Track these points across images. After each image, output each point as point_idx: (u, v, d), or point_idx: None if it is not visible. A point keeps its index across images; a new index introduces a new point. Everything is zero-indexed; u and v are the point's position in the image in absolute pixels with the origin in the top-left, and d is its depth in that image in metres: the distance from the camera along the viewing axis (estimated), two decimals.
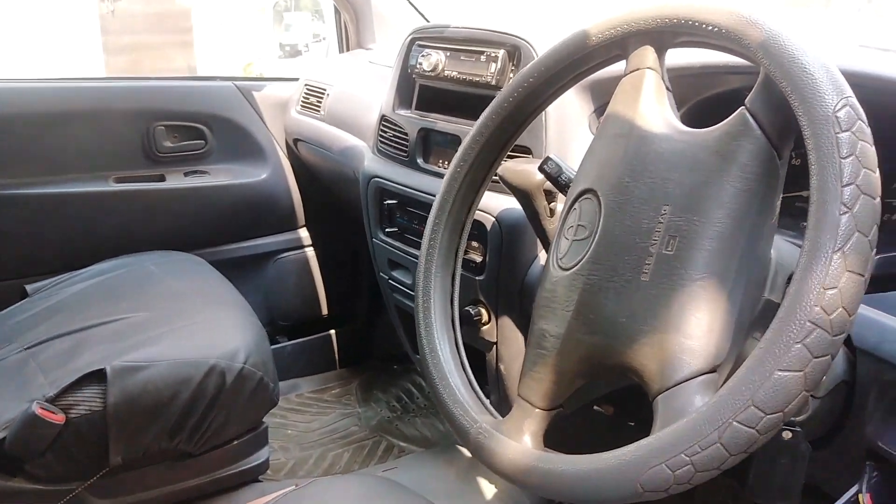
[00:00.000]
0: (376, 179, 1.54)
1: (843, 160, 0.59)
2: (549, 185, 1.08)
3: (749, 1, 0.85)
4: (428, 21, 1.97)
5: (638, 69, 0.82)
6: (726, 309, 0.68)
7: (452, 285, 0.98)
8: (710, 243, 0.69)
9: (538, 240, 1.16)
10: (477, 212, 1.31)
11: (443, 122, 1.42)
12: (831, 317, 0.57)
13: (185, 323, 1.44)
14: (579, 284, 0.78)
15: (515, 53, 1.28)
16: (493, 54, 1.30)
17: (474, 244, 1.36)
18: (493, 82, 1.29)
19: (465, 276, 1.37)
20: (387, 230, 1.53)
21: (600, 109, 1.23)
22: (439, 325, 0.93)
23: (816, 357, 0.56)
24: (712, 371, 0.68)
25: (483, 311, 1.36)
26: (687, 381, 0.67)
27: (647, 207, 0.74)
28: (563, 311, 0.79)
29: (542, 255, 1.27)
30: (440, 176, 1.38)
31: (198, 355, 1.35)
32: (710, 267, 0.69)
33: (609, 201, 0.78)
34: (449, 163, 1.40)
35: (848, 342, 0.85)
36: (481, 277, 1.34)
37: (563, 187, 1.02)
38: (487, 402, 0.88)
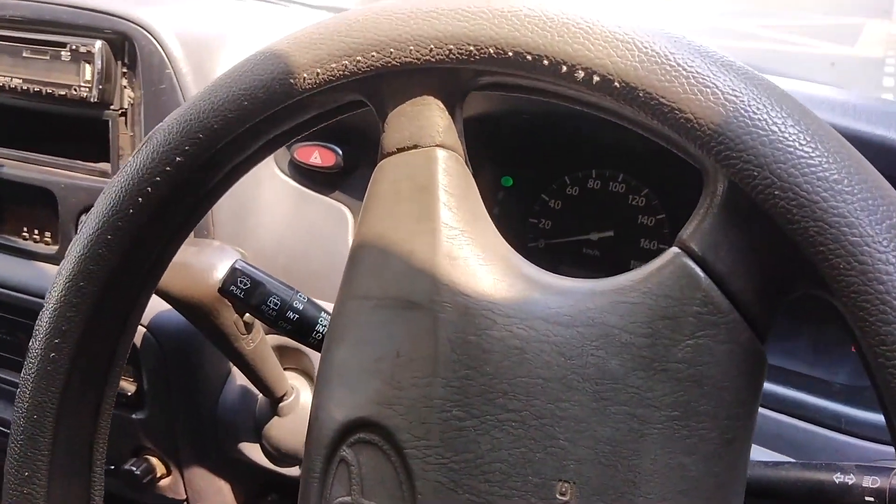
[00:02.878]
0: None
1: None
2: None
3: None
4: None
5: (416, 147, 0.39)
6: None
7: None
8: None
9: None
10: None
11: (14, 164, 0.82)
12: None
13: None
14: None
15: (124, 47, 0.74)
16: (82, 49, 0.74)
17: None
18: (94, 97, 0.74)
19: (115, 414, 0.84)
20: None
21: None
22: None
23: None
24: None
25: (154, 461, 0.86)
26: None
27: (521, 483, 0.33)
28: None
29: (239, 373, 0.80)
30: (28, 255, 0.81)
31: None
32: None
33: (428, 466, 0.35)
34: (40, 231, 0.84)
35: None
36: (141, 415, 0.83)
37: (275, 319, 0.57)
38: None
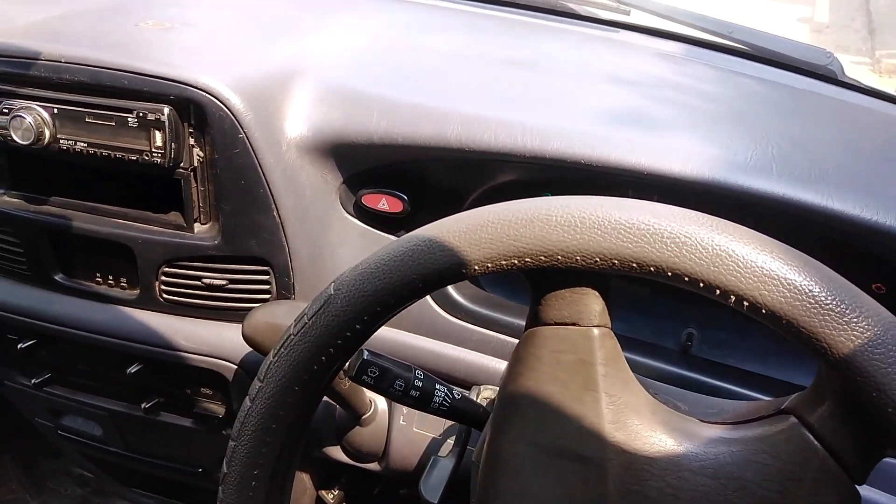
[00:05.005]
0: None
1: None
2: None
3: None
4: None
5: (576, 325, 0.47)
6: None
7: None
8: None
9: None
10: (207, 359, 0.86)
11: (86, 217, 0.85)
12: None
13: None
14: None
15: (189, 109, 0.76)
16: (150, 116, 0.75)
17: (206, 391, 0.91)
18: (167, 163, 0.77)
19: (200, 431, 0.93)
20: (35, 381, 0.96)
21: (355, 178, 0.82)
22: None
23: None
24: None
25: None
26: None
27: None
28: None
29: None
30: (104, 299, 0.87)
31: None
32: None
33: None
34: (115, 277, 0.88)
35: None
36: (230, 431, 0.92)
37: (400, 397, 0.65)
38: None
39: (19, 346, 0.92)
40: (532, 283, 0.48)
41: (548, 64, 0.89)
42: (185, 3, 0.97)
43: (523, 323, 0.80)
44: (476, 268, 0.46)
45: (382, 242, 0.83)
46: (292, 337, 0.51)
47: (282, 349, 0.51)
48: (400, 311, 0.50)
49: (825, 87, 1.02)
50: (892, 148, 0.78)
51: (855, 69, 4.36)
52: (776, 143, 0.69)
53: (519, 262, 0.45)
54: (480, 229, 0.46)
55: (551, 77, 0.85)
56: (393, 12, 1.06)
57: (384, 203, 0.81)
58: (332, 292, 0.49)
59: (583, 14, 1.16)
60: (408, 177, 0.79)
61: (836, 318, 0.39)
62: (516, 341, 0.80)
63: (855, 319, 0.39)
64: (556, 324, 0.47)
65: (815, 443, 0.42)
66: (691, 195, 0.69)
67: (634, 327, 0.81)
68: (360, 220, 0.83)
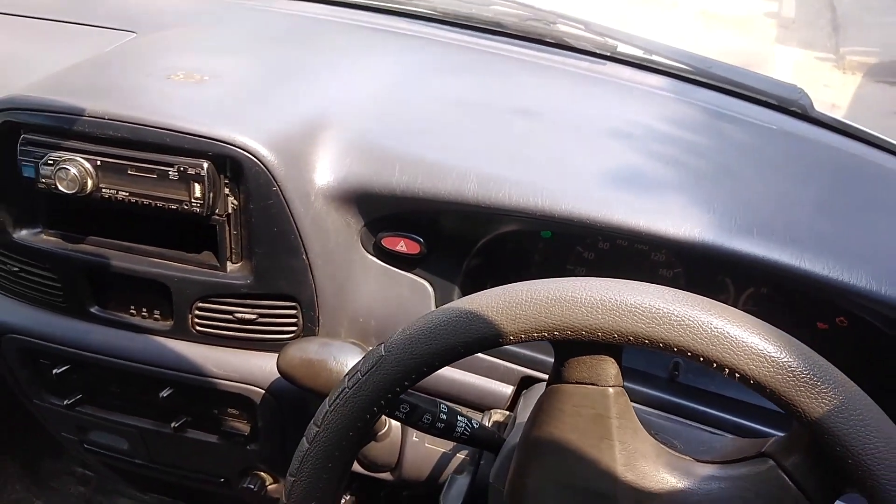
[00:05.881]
0: (15, 337, 0.98)
1: None
2: None
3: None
4: None
5: (594, 385, 0.56)
6: None
7: None
8: None
9: None
10: (237, 384, 0.94)
11: (121, 256, 0.91)
12: None
13: None
14: None
15: (226, 164, 0.83)
16: (190, 170, 0.82)
17: (233, 412, 0.99)
18: (205, 212, 0.84)
19: (222, 445, 1.01)
20: (67, 402, 1.02)
21: (375, 222, 0.89)
22: None
23: None
24: None
25: (264, 475, 1.05)
26: None
27: None
28: None
29: None
30: (137, 329, 0.94)
31: None
32: None
33: None
34: (149, 311, 0.95)
35: None
36: (255, 447, 1.00)
37: (427, 429, 0.73)
38: None
39: (54, 371, 0.98)
40: (556, 348, 0.57)
41: (551, 114, 0.98)
42: (204, 49, 1.03)
43: (528, 353, 0.90)
44: (511, 338, 0.54)
45: (399, 279, 0.91)
46: (347, 390, 0.59)
47: (338, 400, 0.59)
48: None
49: (796, 123, 1.12)
50: (860, 202, 0.89)
51: (820, 66, 4.52)
52: (756, 204, 0.78)
53: (549, 335, 0.54)
54: (516, 306, 0.54)
55: (556, 130, 0.94)
56: (398, 53, 1.13)
57: (402, 245, 0.89)
58: (384, 353, 0.58)
59: (576, 46, 1.25)
60: (424, 222, 0.87)
61: (809, 389, 0.49)
62: (521, 368, 0.91)
63: (824, 390, 0.48)
64: (578, 383, 0.56)
65: (789, 483, 0.53)
66: (683, 252, 0.78)
67: (628, 356, 0.90)
68: (380, 259, 0.91)
